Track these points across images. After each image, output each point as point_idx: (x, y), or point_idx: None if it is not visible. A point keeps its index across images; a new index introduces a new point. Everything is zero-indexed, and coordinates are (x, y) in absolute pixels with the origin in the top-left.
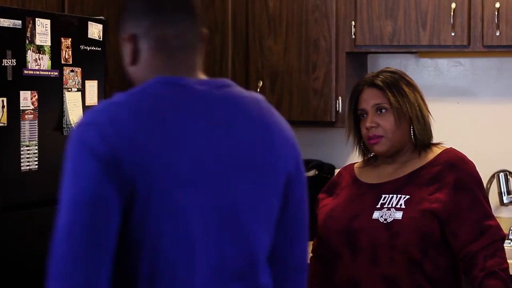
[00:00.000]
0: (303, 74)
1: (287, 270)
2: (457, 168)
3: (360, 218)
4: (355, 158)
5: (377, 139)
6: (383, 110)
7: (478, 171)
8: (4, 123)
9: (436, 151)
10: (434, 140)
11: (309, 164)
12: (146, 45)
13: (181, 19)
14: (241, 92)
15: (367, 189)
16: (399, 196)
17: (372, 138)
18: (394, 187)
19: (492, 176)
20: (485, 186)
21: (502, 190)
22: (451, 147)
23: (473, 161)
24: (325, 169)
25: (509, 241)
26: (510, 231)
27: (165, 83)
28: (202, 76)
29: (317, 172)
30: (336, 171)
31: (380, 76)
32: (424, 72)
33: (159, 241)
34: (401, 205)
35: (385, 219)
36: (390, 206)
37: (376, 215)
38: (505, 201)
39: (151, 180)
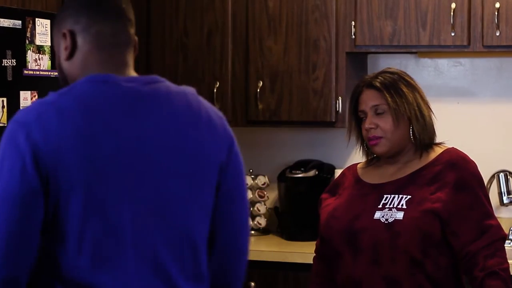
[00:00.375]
0: (303, 74)
1: (226, 256)
2: (458, 167)
3: (362, 218)
4: (355, 158)
5: (376, 140)
6: (382, 111)
7: (479, 171)
8: (4, 123)
9: (438, 150)
10: (437, 140)
11: (309, 164)
12: (83, 41)
13: (115, 18)
14: (169, 87)
15: (369, 189)
16: (400, 196)
17: (372, 139)
18: (396, 187)
19: (492, 176)
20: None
21: (502, 190)
22: (453, 147)
23: (474, 161)
24: (325, 169)
25: (509, 241)
26: (510, 231)
27: (94, 81)
28: (133, 74)
29: (317, 172)
30: (336, 171)
31: (379, 77)
32: (424, 72)
33: (89, 233)
34: (402, 205)
35: (386, 219)
36: (391, 206)
37: (377, 215)
38: (505, 201)
39: (73, 175)
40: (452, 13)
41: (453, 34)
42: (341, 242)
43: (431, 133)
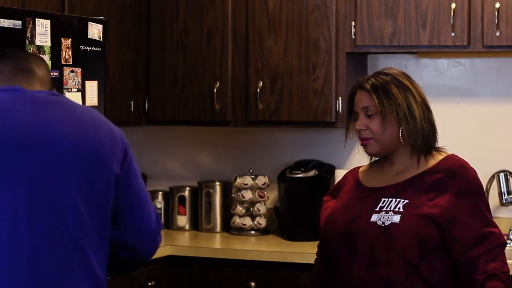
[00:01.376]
0: (303, 75)
1: (118, 247)
2: (459, 175)
3: (359, 221)
4: (355, 158)
5: (366, 141)
6: (371, 113)
7: (479, 177)
8: None
9: (438, 157)
10: (439, 142)
11: (309, 164)
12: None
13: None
14: (72, 101)
15: (368, 192)
16: (398, 200)
17: (362, 140)
18: (394, 191)
19: (492, 176)
20: (485, 186)
21: (502, 190)
22: (453, 154)
23: (474, 167)
24: (325, 169)
25: (510, 241)
26: (510, 231)
27: (2, 90)
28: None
29: (317, 173)
30: (336, 171)
31: (372, 79)
32: (424, 72)
33: None
34: (399, 208)
35: (383, 222)
36: (388, 209)
37: (374, 218)
38: (505, 201)
39: None
40: (452, 13)
41: (453, 34)
42: (339, 245)
43: (425, 135)
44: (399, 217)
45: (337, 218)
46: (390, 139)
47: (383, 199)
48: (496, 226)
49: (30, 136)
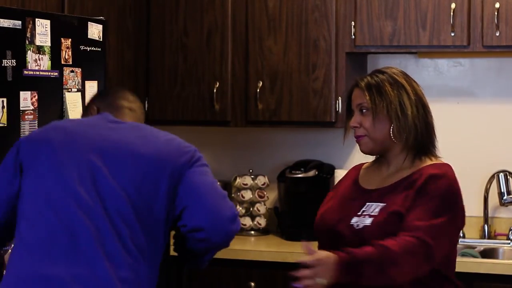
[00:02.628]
0: (303, 75)
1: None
2: (432, 178)
3: (342, 223)
4: (355, 158)
5: (360, 138)
6: (364, 110)
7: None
8: (4, 124)
9: (427, 162)
10: (437, 143)
11: (309, 164)
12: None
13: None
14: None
15: (359, 194)
16: (378, 204)
17: (357, 137)
18: (379, 195)
19: (492, 176)
20: (485, 186)
21: (502, 190)
22: (445, 164)
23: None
24: (325, 169)
25: (509, 241)
26: (510, 231)
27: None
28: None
29: (317, 173)
30: (336, 171)
31: (368, 77)
32: (424, 72)
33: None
34: (375, 211)
35: (358, 225)
36: (366, 213)
37: (353, 220)
38: (505, 201)
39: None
40: (452, 13)
41: (453, 34)
42: (326, 243)
43: (418, 134)
44: (371, 220)
45: (327, 217)
46: (381, 137)
47: (367, 203)
48: (430, 229)
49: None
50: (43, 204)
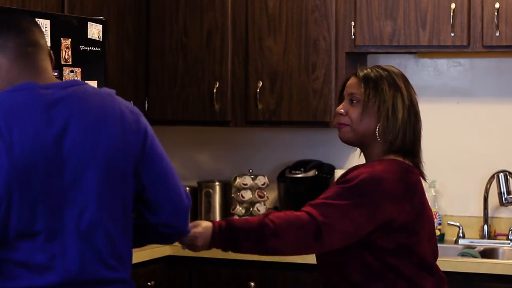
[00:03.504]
0: (303, 75)
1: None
2: (355, 168)
3: None
4: (355, 158)
5: (341, 126)
6: (354, 101)
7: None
8: None
9: (385, 157)
10: (422, 153)
11: (309, 164)
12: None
13: (16, 32)
14: (85, 90)
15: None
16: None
17: (339, 124)
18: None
19: (492, 176)
20: (485, 186)
21: (502, 190)
22: (388, 160)
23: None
24: (324, 169)
25: (509, 241)
26: (510, 231)
27: (12, 90)
28: (52, 79)
29: (316, 173)
30: (336, 171)
31: (368, 69)
32: (424, 72)
33: None
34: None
35: None
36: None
37: None
38: (505, 201)
39: None
40: (451, 13)
41: (452, 34)
42: None
43: (406, 140)
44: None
45: None
46: (364, 131)
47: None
48: (327, 217)
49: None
50: None
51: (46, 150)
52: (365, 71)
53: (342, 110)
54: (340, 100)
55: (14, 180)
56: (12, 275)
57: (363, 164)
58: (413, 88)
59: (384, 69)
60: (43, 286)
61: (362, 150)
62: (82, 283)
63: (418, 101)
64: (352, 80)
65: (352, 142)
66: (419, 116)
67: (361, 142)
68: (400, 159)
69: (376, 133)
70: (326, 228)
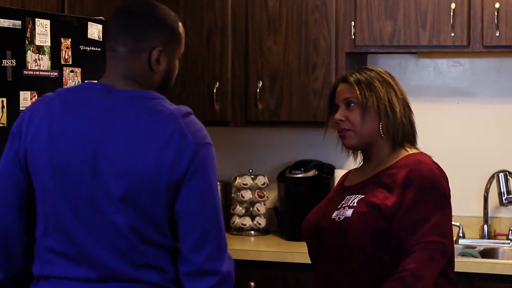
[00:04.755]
0: (303, 75)
1: None
2: (409, 167)
3: (324, 219)
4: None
5: (344, 133)
6: (351, 104)
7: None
8: (4, 124)
9: (403, 154)
10: (418, 142)
11: (309, 164)
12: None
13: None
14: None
15: (341, 191)
16: (356, 196)
17: (341, 131)
18: (358, 188)
19: (492, 176)
20: (485, 186)
21: (502, 190)
22: (419, 152)
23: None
24: (324, 169)
25: (509, 241)
26: (510, 231)
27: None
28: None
29: (316, 173)
30: (336, 171)
31: (356, 73)
32: (424, 73)
33: None
34: (354, 203)
35: (339, 218)
36: (346, 205)
37: (334, 214)
38: (505, 201)
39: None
40: (452, 13)
41: (453, 34)
42: (311, 243)
43: (406, 132)
44: (351, 211)
45: (311, 217)
46: (369, 132)
47: (347, 197)
48: (434, 222)
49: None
50: None
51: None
52: (353, 75)
53: (341, 117)
54: (330, 109)
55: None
56: (51, 263)
57: (404, 158)
58: (399, 82)
59: (370, 70)
60: (78, 278)
61: (367, 152)
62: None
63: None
64: (342, 86)
65: (358, 147)
66: (410, 107)
67: (367, 144)
68: (411, 149)
69: (380, 131)
70: (446, 247)
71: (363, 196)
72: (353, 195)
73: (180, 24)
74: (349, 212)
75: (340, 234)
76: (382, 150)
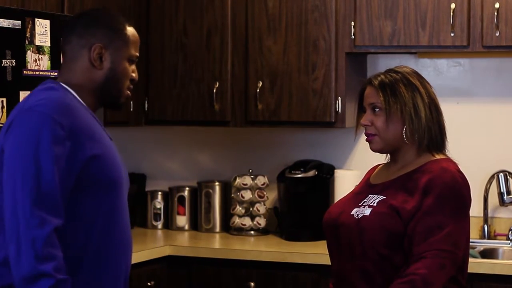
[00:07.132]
0: (303, 75)
1: None
2: (432, 174)
3: (344, 214)
4: (355, 158)
5: (370, 138)
6: (377, 109)
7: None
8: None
9: (429, 159)
10: (448, 144)
11: (309, 164)
12: None
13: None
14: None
15: (366, 188)
16: (378, 196)
17: (367, 136)
18: (381, 189)
19: (492, 176)
20: (484, 186)
21: (502, 190)
22: (446, 158)
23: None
24: (324, 169)
25: (509, 241)
26: (510, 231)
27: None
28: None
29: (316, 173)
30: (336, 171)
31: (381, 75)
32: (424, 73)
33: None
34: (374, 203)
35: (358, 215)
36: (366, 204)
37: (354, 211)
38: (505, 201)
39: None
40: (451, 13)
41: (452, 34)
42: (329, 236)
43: (433, 136)
44: (370, 210)
45: (332, 210)
46: (393, 137)
47: (369, 195)
48: (450, 230)
49: None
50: None
51: None
52: (379, 78)
53: (367, 122)
54: (360, 111)
55: None
56: None
57: (429, 163)
58: (428, 83)
59: (396, 72)
60: None
61: (394, 156)
62: None
63: (435, 94)
64: (369, 90)
65: (384, 151)
66: (440, 108)
67: (393, 148)
68: (439, 154)
69: (404, 137)
70: (456, 257)
71: (385, 197)
72: (375, 194)
73: (130, 28)
74: (367, 211)
75: (356, 231)
76: (407, 154)
